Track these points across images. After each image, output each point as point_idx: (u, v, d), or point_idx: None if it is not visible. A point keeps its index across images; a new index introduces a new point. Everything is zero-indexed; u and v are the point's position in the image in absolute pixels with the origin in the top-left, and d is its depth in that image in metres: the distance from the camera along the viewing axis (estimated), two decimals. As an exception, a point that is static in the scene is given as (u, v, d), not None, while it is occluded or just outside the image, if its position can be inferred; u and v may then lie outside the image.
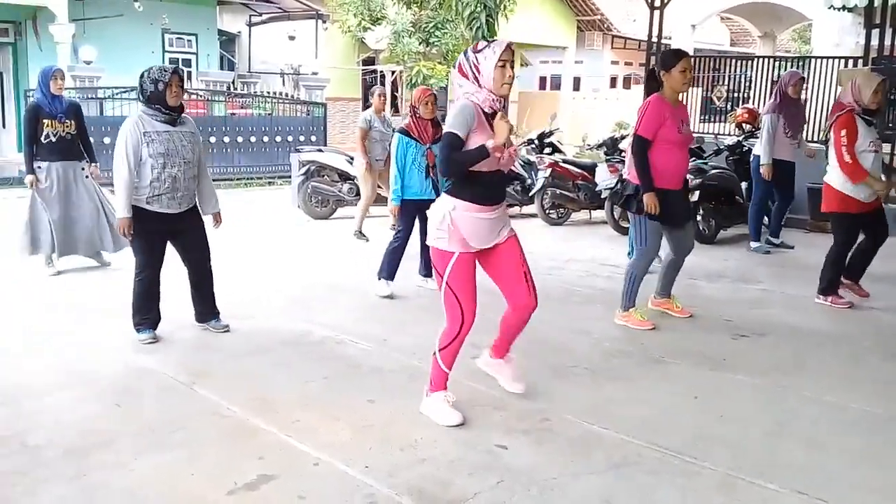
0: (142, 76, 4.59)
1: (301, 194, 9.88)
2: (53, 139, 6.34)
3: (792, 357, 4.76)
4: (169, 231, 4.76)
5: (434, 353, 3.67)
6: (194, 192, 4.81)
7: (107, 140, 12.03)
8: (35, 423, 3.61)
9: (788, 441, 3.55)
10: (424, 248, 6.12)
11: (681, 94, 5.26)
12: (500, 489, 3.04)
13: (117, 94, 13.49)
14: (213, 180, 14.41)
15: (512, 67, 3.43)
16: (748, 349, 4.89)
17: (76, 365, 4.42)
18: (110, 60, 14.63)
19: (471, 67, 3.42)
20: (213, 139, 14.11)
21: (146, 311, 4.82)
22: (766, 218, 8.22)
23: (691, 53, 15.08)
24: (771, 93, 10.45)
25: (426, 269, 6.18)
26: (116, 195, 4.60)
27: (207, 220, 5.00)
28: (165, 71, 4.57)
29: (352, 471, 3.18)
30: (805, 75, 10.83)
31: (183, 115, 4.73)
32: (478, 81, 3.42)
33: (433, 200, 5.89)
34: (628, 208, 5.21)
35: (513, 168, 10.17)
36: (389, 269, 6.00)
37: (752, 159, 7.96)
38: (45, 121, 6.29)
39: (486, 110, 3.45)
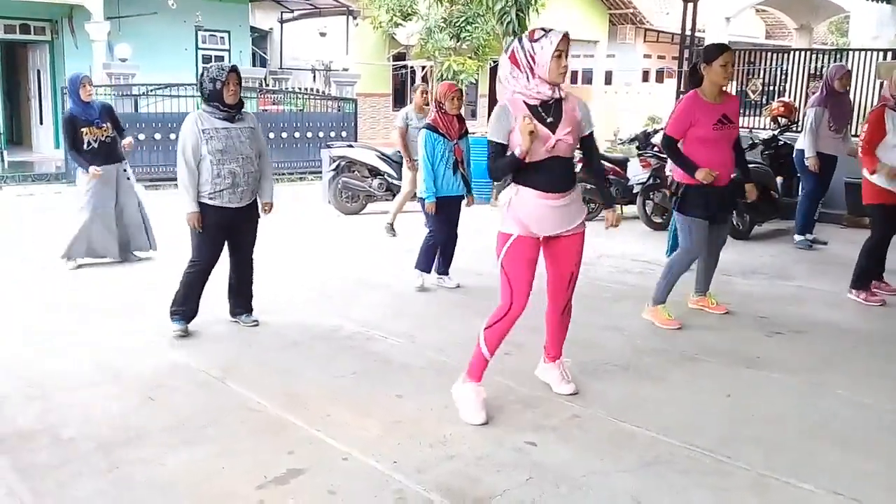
0: (201, 75, 4.71)
1: (331, 190, 9.90)
2: (95, 145, 6.45)
3: (827, 355, 4.67)
4: (229, 225, 4.84)
5: (478, 334, 3.68)
6: (255, 187, 4.88)
7: (141, 136, 12.17)
8: (68, 417, 3.66)
9: (823, 441, 3.48)
10: (447, 247, 6.11)
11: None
12: (528, 486, 3.02)
13: (151, 90, 13.63)
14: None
15: (566, 57, 3.44)
16: (783, 347, 4.80)
17: (109, 360, 4.47)
18: (145, 58, 14.78)
19: (526, 56, 3.43)
20: (244, 135, 14.21)
21: (185, 303, 4.88)
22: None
23: (725, 46, 14.90)
24: (807, 86, 10.28)
25: (444, 267, 6.18)
26: (181, 192, 4.72)
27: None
28: (223, 69, 4.62)
29: (381, 466, 3.18)
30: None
31: (242, 111, 4.81)
32: (532, 71, 3.43)
33: (462, 196, 5.94)
34: (675, 207, 5.13)
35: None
36: (426, 263, 6.03)
37: (795, 154, 7.83)
38: (83, 129, 6.38)
39: (530, 103, 3.48)
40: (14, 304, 5.63)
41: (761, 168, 8.60)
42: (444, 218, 5.96)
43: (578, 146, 3.71)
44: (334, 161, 9.97)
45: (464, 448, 3.35)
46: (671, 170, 5.27)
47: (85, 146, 6.42)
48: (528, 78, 3.44)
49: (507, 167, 3.53)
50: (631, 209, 9.81)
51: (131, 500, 2.96)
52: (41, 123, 16.10)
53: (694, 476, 3.13)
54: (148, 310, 5.34)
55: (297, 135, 14.87)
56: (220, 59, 17.52)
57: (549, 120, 3.49)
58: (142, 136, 12.16)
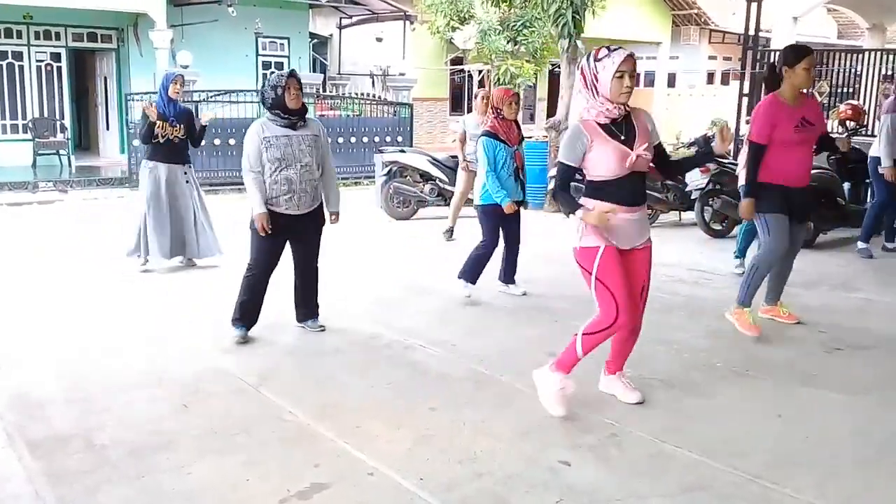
0: (263, 85, 4.71)
1: (383, 195, 9.89)
2: (161, 140, 6.54)
3: (891, 373, 4.38)
4: (289, 232, 4.84)
5: (576, 334, 3.64)
6: (316, 194, 4.86)
7: (202, 142, 12.38)
8: (103, 422, 3.67)
9: (884, 469, 3.24)
10: (508, 254, 5.98)
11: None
12: (558, 509, 2.89)
13: (212, 96, 13.88)
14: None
15: (631, 77, 3.43)
16: (843, 364, 4.54)
17: (153, 364, 4.49)
18: (206, 64, 15.06)
19: (590, 75, 3.46)
20: (302, 140, 14.34)
21: (245, 310, 4.87)
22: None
23: (792, 47, 14.39)
24: (880, 87, 9.82)
25: (506, 276, 6.05)
26: (249, 197, 4.74)
27: (327, 218, 5.05)
28: (282, 76, 4.64)
29: (406, 483, 3.09)
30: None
31: (307, 118, 4.80)
32: (595, 89, 3.46)
33: (522, 202, 5.81)
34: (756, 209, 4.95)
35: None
36: (472, 273, 5.87)
37: (869, 161, 7.48)
38: (158, 122, 6.47)
39: (601, 122, 3.50)
40: (67, 307, 5.73)
41: (827, 174, 8.23)
42: (499, 226, 5.84)
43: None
44: (386, 166, 9.96)
45: (494, 465, 3.23)
46: (740, 172, 5.13)
47: (152, 139, 6.53)
48: (592, 96, 3.48)
49: (571, 207, 3.59)
50: (689, 216, 9.54)
51: (155, 509, 2.94)
52: (108, 129, 16.57)
53: (737, 502, 2.94)
54: (200, 315, 5.36)
55: (353, 140, 14.96)
56: (280, 65, 17.76)
57: (622, 137, 3.51)
58: (203, 142, 12.36)
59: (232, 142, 13.29)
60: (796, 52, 4.83)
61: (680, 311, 5.62)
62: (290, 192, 4.69)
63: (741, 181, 5.18)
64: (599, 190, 3.56)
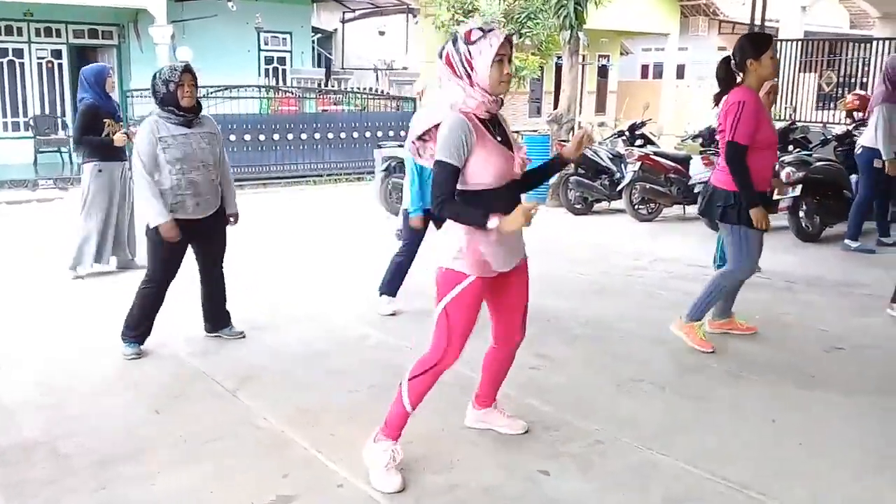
0: (154, 77, 4.38)
1: (382, 190, 9.75)
2: (107, 140, 6.16)
3: (893, 374, 4.21)
4: (191, 238, 4.55)
5: (401, 383, 3.14)
6: (217, 195, 4.60)
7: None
8: (73, 429, 3.56)
9: (885, 479, 3.07)
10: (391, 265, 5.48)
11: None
12: (533, 524, 2.75)
13: (212, 92, 13.79)
14: (303, 176, 14.47)
15: (510, 62, 2.90)
16: (844, 364, 4.37)
17: (130, 368, 4.38)
18: (207, 60, 14.96)
19: (462, 61, 2.85)
20: (304, 136, 14.24)
21: (140, 325, 4.57)
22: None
23: (801, 37, 14.15)
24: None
25: (388, 287, 5.48)
26: (144, 205, 4.38)
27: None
28: (176, 70, 4.34)
29: (376, 494, 2.96)
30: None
31: (201, 115, 4.53)
32: (470, 78, 2.86)
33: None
34: (727, 220, 4.45)
35: (599, 161, 9.76)
36: (392, 284, 5.41)
37: (858, 152, 7.24)
38: (105, 120, 6.15)
39: (481, 116, 2.92)
40: (46, 310, 5.62)
41: (833, 166, 8.04)
42: (423, 234, 5.29)
43: None
44: (385, 161, 9.82)
45: (470, 476, 3.09)
46: (714, 178, 4.60)
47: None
48: (469, 85, 2.87)
49: (466, 220, 2.91)
50: (693, 209, 9.35)
51: (113, 524, 2.82)
52: (108, 125, 16.51)
53: (723, 516, 2.80)
54: (180, 319, 5.21)
55: (355, 135, 14.83)
56: (283, 60, 17.66)
57: (499, 138, 2.95)
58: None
59: (233, 137, 13.22)
60: (760, 41, 4.39)
61: (680, 308, 5.40)
62: (196, 194, 4.42)
63: (712, 182, 4.62)
64: (476, 203, 2.90)
